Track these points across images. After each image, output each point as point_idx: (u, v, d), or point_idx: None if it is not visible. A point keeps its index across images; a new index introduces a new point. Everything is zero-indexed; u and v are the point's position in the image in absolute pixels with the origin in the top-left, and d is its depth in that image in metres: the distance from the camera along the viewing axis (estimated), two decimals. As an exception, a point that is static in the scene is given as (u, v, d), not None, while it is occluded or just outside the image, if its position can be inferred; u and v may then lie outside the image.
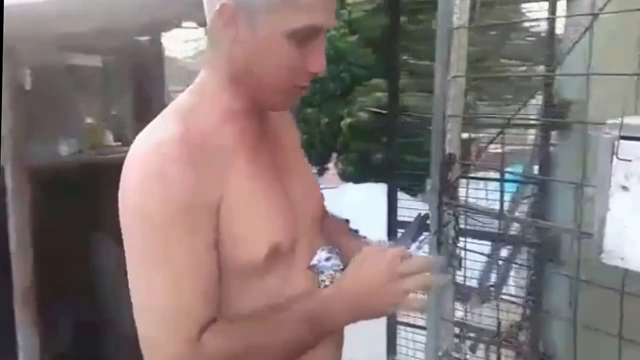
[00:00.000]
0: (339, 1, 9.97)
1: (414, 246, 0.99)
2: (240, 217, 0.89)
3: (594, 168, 1.37)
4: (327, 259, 0.96)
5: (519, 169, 2.57)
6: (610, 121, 0.89)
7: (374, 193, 6.89)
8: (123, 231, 0.88)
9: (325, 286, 0.95)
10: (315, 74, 0.92)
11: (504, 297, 1.86)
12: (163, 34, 3.61)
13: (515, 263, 1.97)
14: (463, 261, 1.37)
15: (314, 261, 0.97)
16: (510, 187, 2.35)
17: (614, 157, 0.87)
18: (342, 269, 0.95)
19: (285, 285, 0.95)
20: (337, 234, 1.15)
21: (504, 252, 2.18)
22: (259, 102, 0.96)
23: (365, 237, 1.19)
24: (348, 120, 9.10)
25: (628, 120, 0.86)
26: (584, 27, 1.33)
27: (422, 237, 1.00)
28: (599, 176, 0.90)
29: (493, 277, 2.27)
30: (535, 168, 2.10)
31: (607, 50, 1.13)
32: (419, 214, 1.05)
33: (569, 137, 1.51)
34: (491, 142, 1.34)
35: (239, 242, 0.89)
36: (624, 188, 0.86)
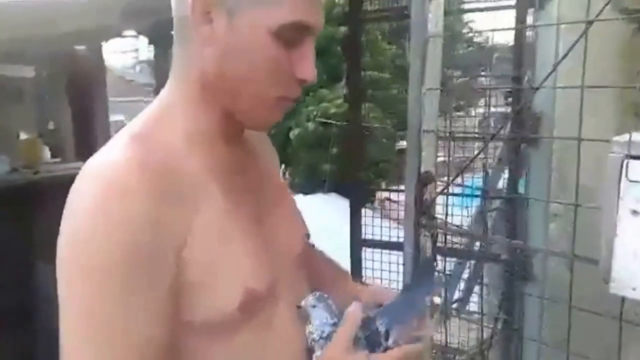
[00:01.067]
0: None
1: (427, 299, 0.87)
2: (209, 261, 0.75)
3: (563, 184, 1.34)
4: (313, 307, 0.84)
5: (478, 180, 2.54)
6: (616, 138, 0.82)
7: (325, 204, 6.87)
8: (57, 272, 0.71)
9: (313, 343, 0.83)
10: (304, 81, 0.80)
11: (475, 315, 1.80)
12: (103, 43, 3.43)
13: (479, 282, 1.93)
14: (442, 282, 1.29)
15: (302, 303, 0.85)
16: (472, 200, 2.31)
17: (623, 178, 0.79)
18: (334, 324, 0.83)
19: (266, 338, 0.81)
20: (331, 275, 1.03)
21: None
22: (237, 119, 0.82)
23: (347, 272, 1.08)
24: (296, 131, 9.02)
25: (636, 137, 0.79)
26: (553, 39, 1.30)
27: (429, 288, 0.88)
28: (606, 199, 0.83)
29: (457, 294, 2.22)
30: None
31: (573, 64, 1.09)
32: (424, 259, 0.93)
33: (538, 150, 1.47)
34: (474, 158, 1.26)
35: (207, 291, 0.74)
36: (635, 212, 0.79)
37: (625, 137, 0.81)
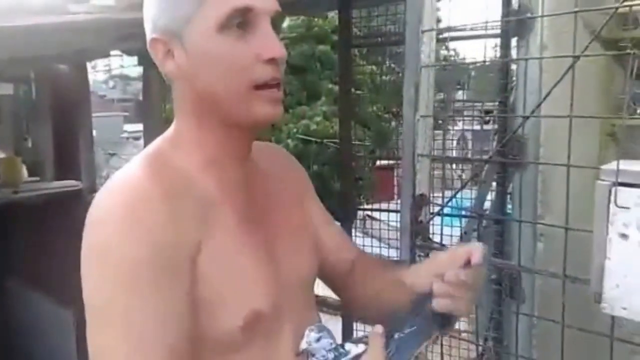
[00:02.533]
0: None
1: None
2: (219, 275, 0.77)
3: (547, 205, 1.40)
4: (318, 340, 0.86)
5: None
6: (604, 167, 0.87)
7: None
8: (84, 279, 0.74)
9: None
10: (272, 60, 0.79)
11: (464, 334, 1.84)
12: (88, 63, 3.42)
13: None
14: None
15: (304, 345, 0.86)
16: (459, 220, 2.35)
17: (612, 204, 0.85)
18: (335, 347, 0.85)
19: (271, 358, 0.83)
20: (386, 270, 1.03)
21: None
22: (234, 126, 0.83)
23: None
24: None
25: (623, 165, 0.85)
26: (537, 67, 1.36)
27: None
28: (595, 223, 0.88)
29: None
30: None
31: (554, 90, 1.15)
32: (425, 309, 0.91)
33: (524, 173, 1.53)
34: (469, 181, 1.31)
35: (214, 308, 0.77)
36: (623, 236, 0.84)
37: (612, 166, 0.86)
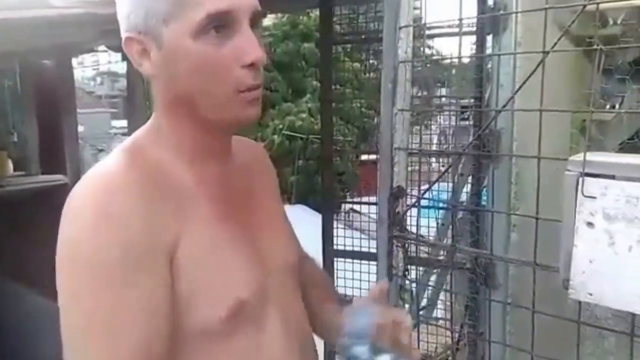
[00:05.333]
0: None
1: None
2: (200, 268, 0.78)
3: (521, 196, 1.44)
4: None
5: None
6: (572, 158, 0.91)
7: (291, 215, 6.90)
8: (58, 271, 0.75)
9: None
10: (252, 65, 0.79)
11: (441, 321, 1.88)
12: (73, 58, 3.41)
13: (446, 290, 2.01)
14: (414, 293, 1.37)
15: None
16: (435, 212, 2.40)
17: (579, 194, 0.89)
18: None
19: (257, 348, 0.84)
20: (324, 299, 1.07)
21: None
22: (214, 127, 0.84)
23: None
24: (261, 144, 9.08)
25: (590, 157, 0.89)
26: (511, 63, 1.40)
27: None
28: (564, 212, 0.92)
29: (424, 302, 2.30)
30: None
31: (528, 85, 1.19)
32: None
33: (498, 165, 1.57)
34: (443, 173, 1.35)
35: (199, 298, 0.78)
36: (590, 224, 0.88)
37: (580, 157, 0.90)
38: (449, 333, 1.90)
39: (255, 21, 0.81)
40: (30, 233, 3.11)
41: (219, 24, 0.77)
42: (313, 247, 3.34)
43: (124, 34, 0.82)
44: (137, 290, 0.73)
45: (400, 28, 1.26)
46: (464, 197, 2.10)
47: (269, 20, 9.89)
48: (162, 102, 0.85)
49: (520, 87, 1.11)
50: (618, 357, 1.23)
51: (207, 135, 0.85)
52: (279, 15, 9.43)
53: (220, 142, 0.88)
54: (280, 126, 8.92)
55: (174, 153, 0.84)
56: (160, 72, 0.81)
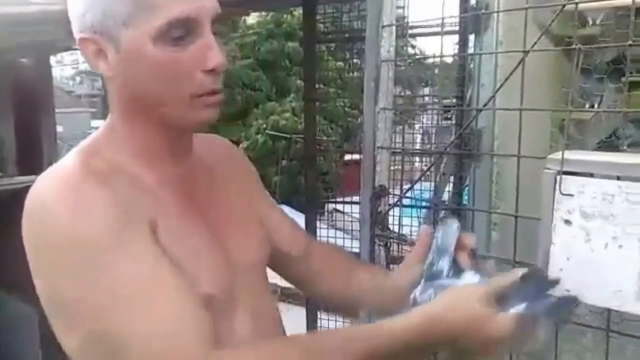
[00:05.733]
0: (230, 25, 9.99)
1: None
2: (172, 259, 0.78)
3: (502, 195, 1.45)
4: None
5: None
6: (550, 156, 0.92)
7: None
8: (44, 273, 0.74)
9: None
10: (213, 71, 0.80)
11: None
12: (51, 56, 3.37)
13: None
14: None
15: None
16: (417, 210, 2.41)
17: (557, 192, 0.90)
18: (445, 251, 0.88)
19: (228, 339, 0.84)
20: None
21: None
22: (171, 128, 0.84)
23: None
24: (245, 143, 9.04)
25: (568, 155, 0.90)
26: (492, 63, 1.42)
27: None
28: (542, 210, 0.93)
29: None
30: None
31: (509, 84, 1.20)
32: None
33: (480, 164, 1.58)
34: (425, 173, 1.35)
35: None
36: (567, 222, 0.89)
37: (558, 155, 0.91)
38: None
39: (216, 24, 0.81)
40: (7, 235, 3.06)
41: (181, 29, 0.77)
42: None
43: (78, 34, 0.80)
44: (143, 245, 0.74)
45: (382, 27, 1.27)
46: (446, 196, 2.12)
47: (252, 19, 9.88)
48: (119, 104, 0.84)
49: (500, 87, 1.12)
50: (596, 353, 1.25)
51: (165, 136, 0.85)
52: (263, 13, 9.40)
53: (178, 143, 0.88)
54: (264, 126, 8.91)
55: (131, 154, 0.83)
56: (117, 74, 0.80)
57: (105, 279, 0.71)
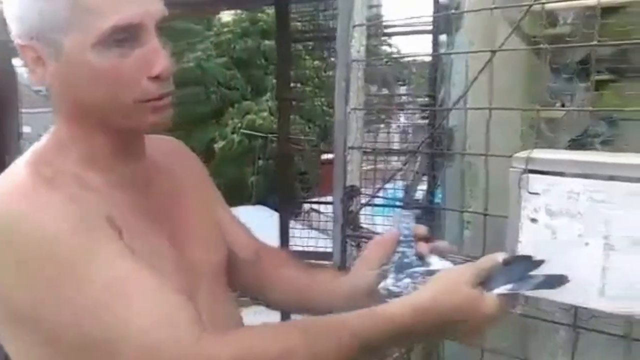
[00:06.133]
0: (204, 23, 9.92)
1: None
2: None
3: (474, 194, 1.47)
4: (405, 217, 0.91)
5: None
6: (516, 155, 0.93)
7: (252, 216, 6.88)
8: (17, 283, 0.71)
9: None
10: (157, 78, 0.78)
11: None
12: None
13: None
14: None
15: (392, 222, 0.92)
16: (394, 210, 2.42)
17: (523, 190, 0.90)
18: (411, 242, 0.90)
19: None
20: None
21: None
22: (119, 134, 0.82)
23: None
24: (220, 143, 8.97)
25: (534, 154, 0.91)
26: (464, 62, 1.43)
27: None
28: (509, 209, 0.94)
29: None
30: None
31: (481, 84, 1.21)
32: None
33: (452, 163, 1.60)
34: (397, 172, 1.36)
35: None
36: (533, 220, 0.90)
37: (524, 154, 0.92)
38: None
39: (161, 26, 0.79)
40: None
41: (124, 35, 0.75)
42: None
43: (16, 39, 0.78)
44: (110, 242, 0.73)
45: (354, 27, 1.27)
46: (420, 195, 2.13)
47: (228, 17, 9.81)
48: (63, 111, 0.82)
49: (470, 86, 1.13)
50: (567, 350, 1.27)
51: (113, 141, 0.83)
52: (238, 11, 9.34)
53: (129, 147, 0.86)
54: (240, 125, 8.85)
55: (81, 160, 0.81)
56: (58, 81, 0.79)
57: (83, 283, 0.70)
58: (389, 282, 0.89)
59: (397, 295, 0.85)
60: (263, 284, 1.05)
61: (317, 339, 0.75)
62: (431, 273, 0.86)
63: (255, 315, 1.02)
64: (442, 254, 0.92)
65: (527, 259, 0.87)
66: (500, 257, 0.84)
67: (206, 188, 1.05)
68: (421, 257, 0.91)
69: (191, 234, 0.91)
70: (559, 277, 0.85)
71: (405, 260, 0.90)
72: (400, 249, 0.92)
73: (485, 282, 0.81)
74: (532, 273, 0.84)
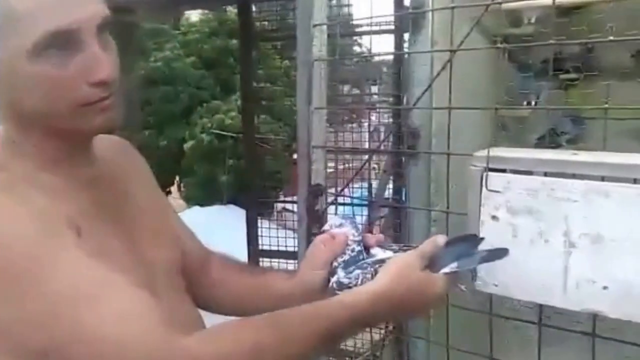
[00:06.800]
0: (171, 23, 9.81)
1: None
2: None
3: (440, 192, 1.47)
4: (340, 225, 0.95)
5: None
6: (476, 154, 0.93)
7: (223, 215, 6.83)
8: None
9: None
10: (99, 84, 0.75)
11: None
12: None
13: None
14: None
15: (326, 227, 0.95)
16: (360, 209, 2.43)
17: (484, 188, 0.90)
18: (360, 242, 0.94)
19: None
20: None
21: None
22: (65, 136, 0.80)
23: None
24: (190, 143, 8.88)
25: (494, 152, 0.91)
26: (428, 61, 1.42)
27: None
28: (470, 207, 0.94)
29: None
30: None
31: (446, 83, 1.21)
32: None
33: (417, 163, 1.59)
34: (358, 172, 1.35)
35: None
36: (494, 218, 0.90)
37: (484, 152, 0.92)
38: (375, 330, 1.92)
39: (105, 28, 0.77)
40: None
41: (60, 42, 0.72)
42: (244, 247, 3.30)
43: None
44: (71, 247, 0.72)
45: (314, 26, 1.26)
46: (387, 194, 2.13)
47: (195, 17, 9.72)
48: (6, 116, 0.80)
49: (429, 86, 1.13)
50: (533, 347, 1.27)
51: (62, 144, 0.81)
52: (206, 11, 9.26)
53: (76, 149, 0.84)
54: (209, 124, 8.77)
55: (34, 163, 0.79)
56: None
57: (48, 287, 0.68)
58: (340, 276, 0.93)
59: (348, 286, 0.91)
60: (211, 291, 1.05)
61: (287, 330, 0.77)
62: (379, 262, 0.91)
63: (214, 316, 1.00)
64: (382, 246, 0.97)
65: (468, 238, 0.93)
66: (441, 239, 0.89)
67: (155, 189, 1.04)
68: (367, 251, 0.96)
69: (145, 234, 0.90)
70: (500, 251, 0.89)
71: (353, 255, 0.94)
72: (350, 248, 0.95)
73: (431, 264, 0.87)
74: (474, 250, 0.89)
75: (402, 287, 0.83)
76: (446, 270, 0.86)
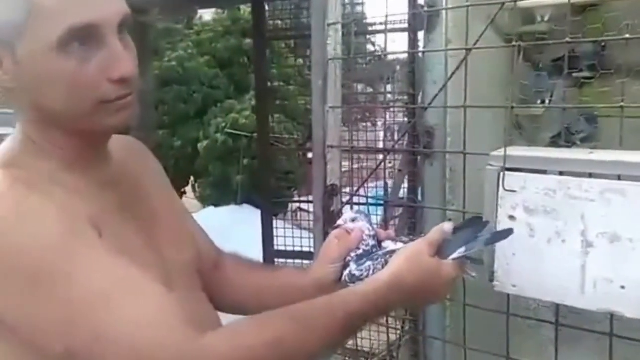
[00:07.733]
0: (185, 22, 9.83)
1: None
2: None
3: (455, 191, 1.46)
4: (353, 220, 0.96)
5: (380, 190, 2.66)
6: (493, 153, 0.93)
7: (238, 215, 6.86)
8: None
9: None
10: (119, 81, 0.76)
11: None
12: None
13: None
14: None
15: (340, 221, 0.97)
16: (376, 208, 2.42)
17: (501, 188, 0.90)
18: (374, 236, 0.96)
19: None
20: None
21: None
22: (83, 135, 0.81)
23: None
24: (204, 143, 8.90)
25: (510, 151, 0.91)
26: (442, 60, 1.42)
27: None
28: (487, 206, 0.93)
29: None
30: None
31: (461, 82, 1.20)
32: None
33: (432, 162, 1.59)
34: (374, 171, 1.35)
35: None
36: (511, 217, 0.90)
37: (501, 152, 0.92)
38: (391, 330, 1.92)
39: (125, 26, 0.78)
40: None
41: (83, 37, 0.73)
42: (259, 247, 3.29)
43: None
44: (96, 247, 0.73)
45: (328, 25, 1.26)
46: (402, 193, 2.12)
47: (208, 16, 9.74)
48: (25, 114, 0.81)
49: (445, 85, 1.12)
50: (550, 347, 1.27)
51: (81, 142, 0.82)
52: (219, 10, 9.28)
53: (95, 149, 0.85)
54: (224, 124, 8.78)
55: (53, 162, 0.80)
56: (17, 84, 0.77)
57: (72, 288, 0.70)
58: (352, 268, 0.94)
59: (360, 278, 0.93)
60: (225, 290, 1.06)
61: (305, 322, 0.79)
62: (390, 253, 0.93)
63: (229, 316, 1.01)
64: (394, 238, 0.99)
65: (474, 222, 0.94)
66: (448, 226, 0.91)
67: (168, 189, 1.04)
68: (379, 244, 0.98)
69: (162, 234, 0.91)
70: (505, 232, 0.90)
71: (367, 249, 0.96)
72: (365, 242, 0.97)
73: (439, 251, 0.88)
74: (480, 234, 0.90)
75: (412, 274, 0.85)
76: (454, 255, 0.88)
